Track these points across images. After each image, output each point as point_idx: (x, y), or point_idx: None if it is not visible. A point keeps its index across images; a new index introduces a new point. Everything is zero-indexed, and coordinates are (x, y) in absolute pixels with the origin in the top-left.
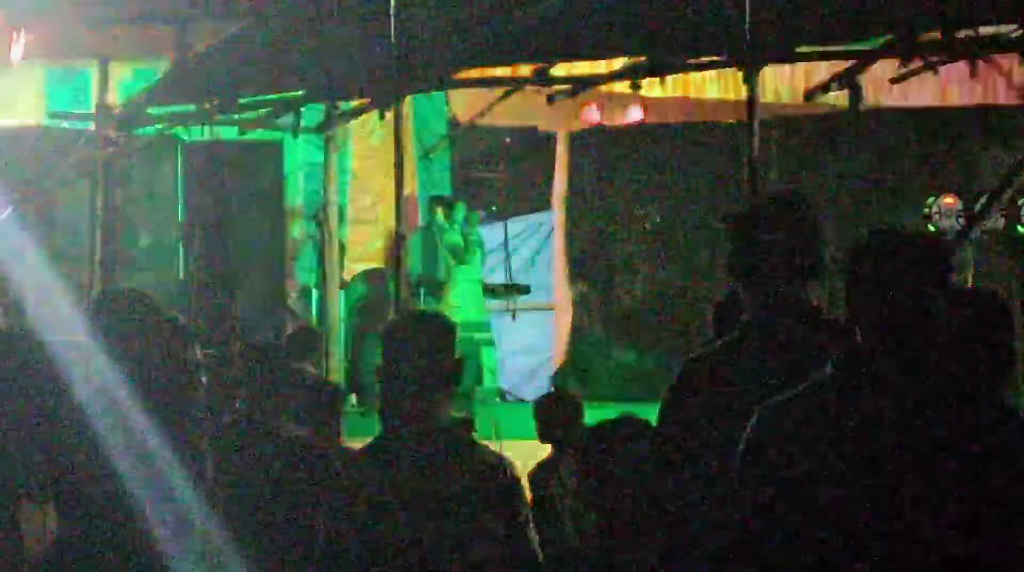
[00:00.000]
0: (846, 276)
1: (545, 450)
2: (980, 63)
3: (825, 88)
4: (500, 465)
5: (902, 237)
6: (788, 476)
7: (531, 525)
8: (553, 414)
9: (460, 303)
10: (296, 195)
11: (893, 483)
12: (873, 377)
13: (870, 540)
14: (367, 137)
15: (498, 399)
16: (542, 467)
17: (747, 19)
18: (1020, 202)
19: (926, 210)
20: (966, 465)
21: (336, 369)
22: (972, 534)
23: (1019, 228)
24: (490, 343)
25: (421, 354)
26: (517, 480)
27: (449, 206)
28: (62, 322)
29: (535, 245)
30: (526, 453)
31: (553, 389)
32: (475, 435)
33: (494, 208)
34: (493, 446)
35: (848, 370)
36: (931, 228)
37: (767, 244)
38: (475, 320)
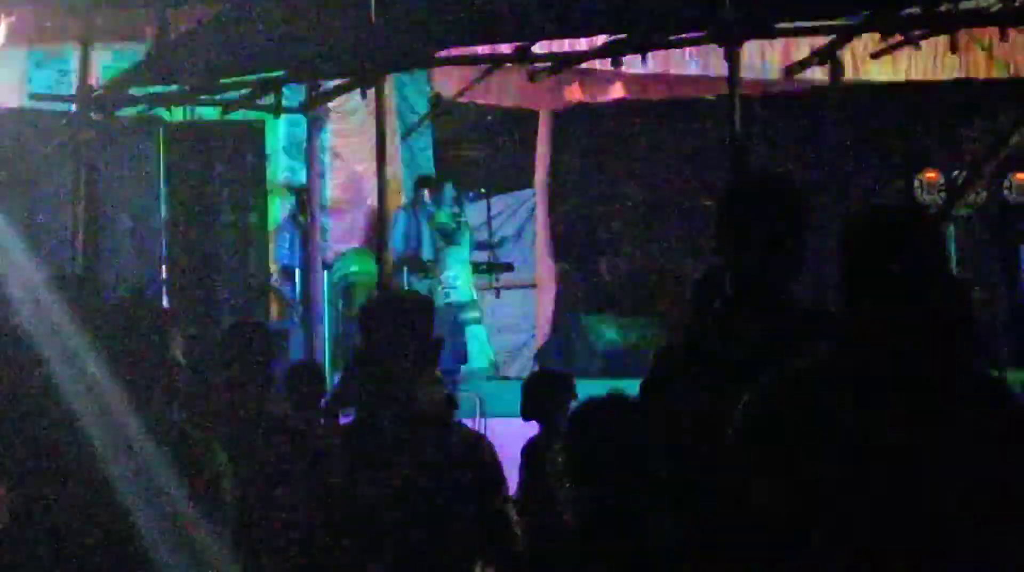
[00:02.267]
0: (842, 253)
1: (530, 428)
2: (961, 37)
3: (806, 63)
4: (479, 445)
5: (900, 213)
6: (783, 462)
7: (510, 506)
8: (544, 392)
9: (453, 284)
10: (278, 175)
11: (896, 467)
12: (868, 359)
13: (869, 523)
14: (347, 116)
15: (494, 373)
16: (533, 445)
17: None
18: (1002, 176)
19: (909, 185)
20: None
21: (320, 348)
22: (974, 519)
23: (1002, 202)
24: (479, 322)
25: (400, 334)
26: (496, 460)
27: (437, 186)
28: (42, 305)
29: (518, 223)
30: (510, 431)
31: (540, 368)
32: (457, 414)
33: (483, 190)
34: (476, 425)
35: (843, 353)
36: (914, 202)
37: (752, 222)
38: (467, 300)
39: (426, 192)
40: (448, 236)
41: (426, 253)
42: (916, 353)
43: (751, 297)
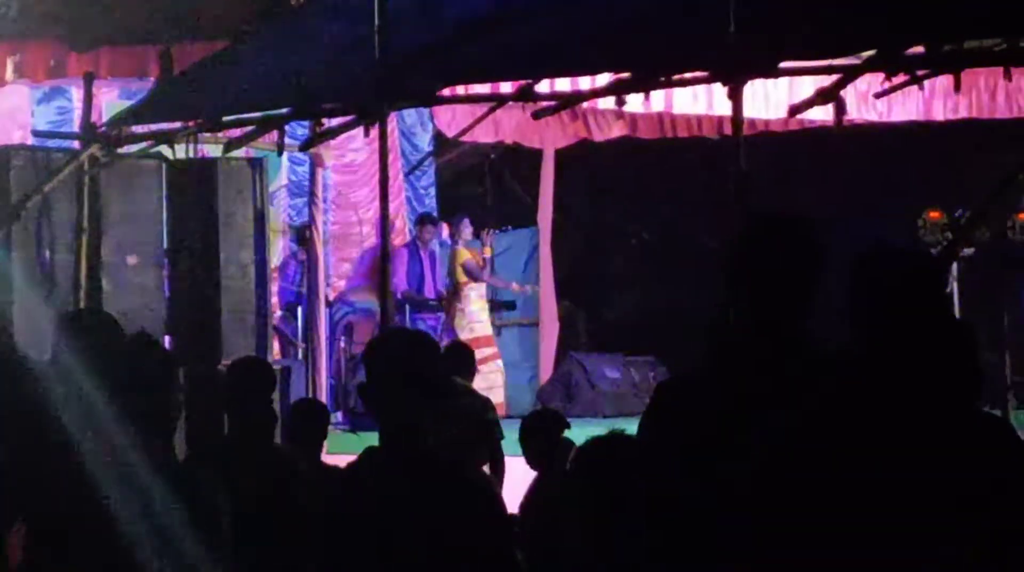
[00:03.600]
0: (849, 294)
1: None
2: (964, 77)
3: (809, 103)
4: (483, 485)
5: (906, 256)
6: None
7: (513, 547)
8: (538, 432)
9: (478, 318)
10: (280, 212)
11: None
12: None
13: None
14: (350, 154)
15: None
16: (535, 491)
17: (731, 35)
18: (1007, 216)
19: (912, 224)
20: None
21: (322, 386)
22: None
23: (1006, 241)
24: (499, 357)
25: (404, 372)
26: (500, 500)
27: (457, 221)
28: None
29: (521, 261)
30: (513, 469)
31: (540, 407)
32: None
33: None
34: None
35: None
36: (918, 242)
37: (763, 266)
38: (488, 334)
39: (446, 228)
40: (474, 273)
41: (429, 291)
42: (916, 393)
43: (764, 337)
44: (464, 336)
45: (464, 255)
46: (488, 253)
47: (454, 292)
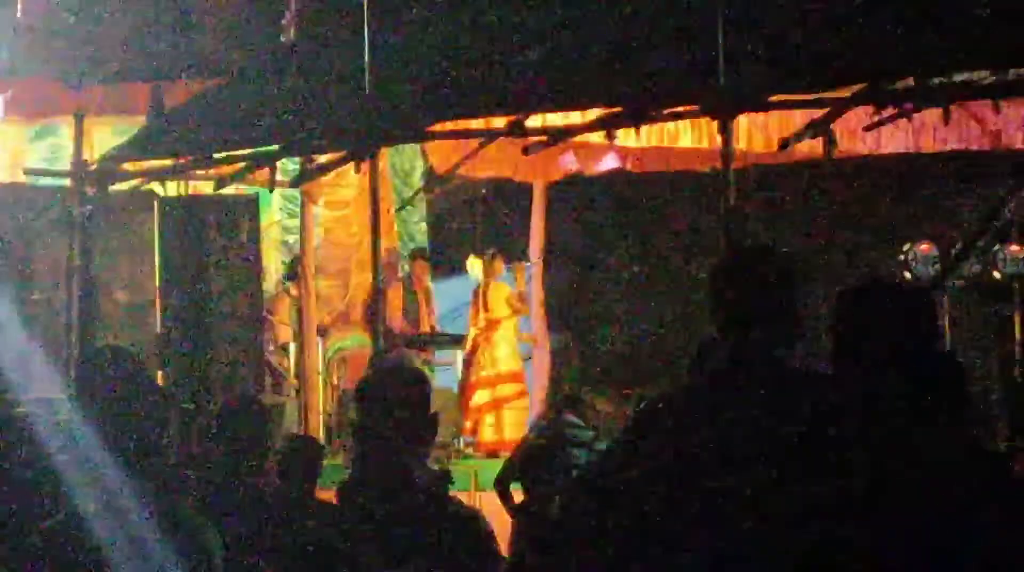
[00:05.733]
0: (832, 328)
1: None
2: (953, 110)
3: (799, 136)
4: (474, 520)
5: (890, 289)
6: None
7: None
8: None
9: (505, 354)
10: (272, 249)
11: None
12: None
13: None
14: (340, 190)
15: None
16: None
17: (721, 69)
18: (996, 248)
19: (902, 257)
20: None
21: (316, 423)
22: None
23: (995, 274)
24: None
25: (396, 410)
26: (491, 535)
27: (492, 257)
28: (38, 380)
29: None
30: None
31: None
32: (451, 488)
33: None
34: (470, 500)
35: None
36: (907, 275)
37: (743, 295)
38: (514, 370)
39: (480, 263)
40: (514, 307)
41: (424, 327)
42: (901, 422)
43: (746, 367)
44: (486, 372)
45: (507, 290)
46: (522, 287)
47: (487, 327)
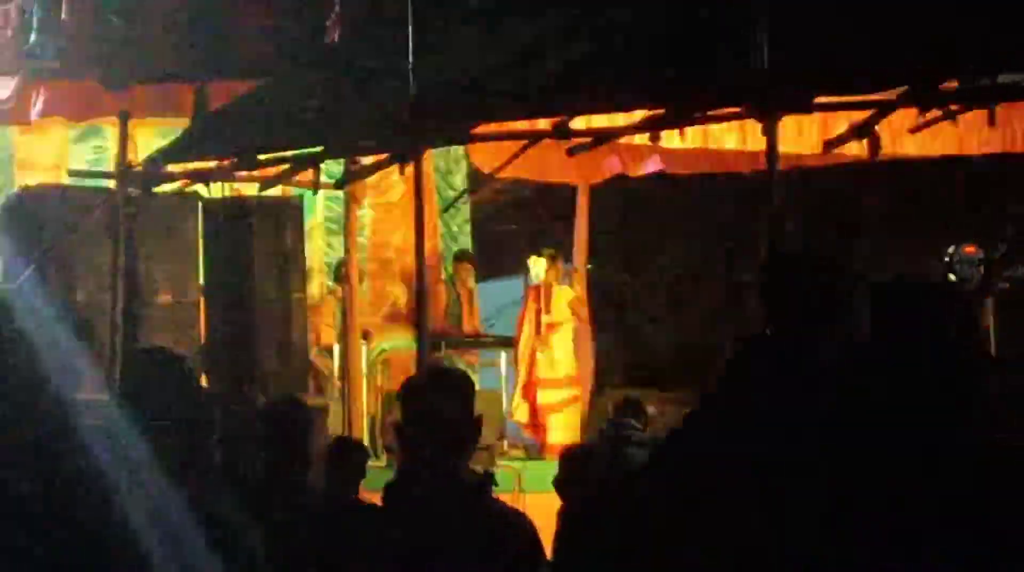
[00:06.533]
0: (868, 325)
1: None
2: (998, 111)
3: (844, 138)
4: (518, 521)
5: (924, 287)
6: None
7: None
8: (574, 467)
9: (562, 358)
10: (316, 250)
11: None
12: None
13: None
14: (385, 192)
15: None
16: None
17: (765, 71)
18: None
19: (947, 259)
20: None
21: (360, 425)
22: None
23: None
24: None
25: (440, 412)
26: (536, 536)
27: (554, 260)
28: (83, 381)
29: None
30: (550, 506)
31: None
32: (495, 490)
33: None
34: (513, 502)
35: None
36: (952, 277)
37: (798, 297)
38: (571, 375)
39: (542, 264)
40: (575, 310)
41: (468, 329)
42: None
43: (797, 367)
44: (543, 374)
45: (570, 293)
46: (580, 292)
47: (548, 329)
